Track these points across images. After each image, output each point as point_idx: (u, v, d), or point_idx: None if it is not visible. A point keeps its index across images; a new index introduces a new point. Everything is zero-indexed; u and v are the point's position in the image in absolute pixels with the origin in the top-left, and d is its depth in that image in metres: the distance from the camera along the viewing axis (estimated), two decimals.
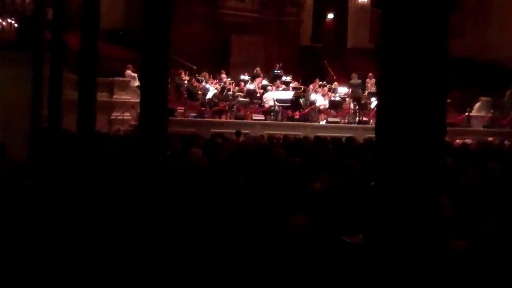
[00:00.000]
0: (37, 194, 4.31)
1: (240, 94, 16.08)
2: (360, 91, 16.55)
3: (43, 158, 5.83)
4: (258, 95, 16.17)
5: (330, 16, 24.02)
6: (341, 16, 23.96)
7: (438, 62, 2.37)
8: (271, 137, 9.07)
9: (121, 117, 13.79)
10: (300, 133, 13.39)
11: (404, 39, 2.28)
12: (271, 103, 15.44)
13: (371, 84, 17.28)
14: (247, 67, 18.54)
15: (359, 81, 16.82)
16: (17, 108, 11.99)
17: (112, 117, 13.97)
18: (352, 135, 11.81)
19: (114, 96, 14.43)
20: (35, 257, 3.68)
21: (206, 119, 14.76)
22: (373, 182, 2.52)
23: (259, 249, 3.06)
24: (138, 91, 13.27)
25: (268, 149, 6.13)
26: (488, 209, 3.56)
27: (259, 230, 3.33)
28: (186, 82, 15.58)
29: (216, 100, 15.36)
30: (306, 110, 15.76)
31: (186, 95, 15.26)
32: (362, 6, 23.59)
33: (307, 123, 15.27)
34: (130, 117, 14.05)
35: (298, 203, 3.78)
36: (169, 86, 5.46)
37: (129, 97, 14.41)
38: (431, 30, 2.27)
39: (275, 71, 18.56)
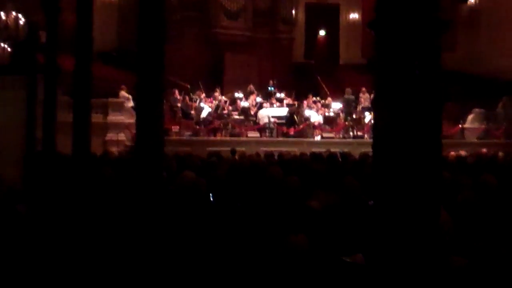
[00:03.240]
0: (33, 220, 4.28)
1: (235, 112, 16.12)
2: (352, 106, 16.68)
3: (38, 182, 5.80)
4: (253, 112, 16.21)
5: (322, 33, 24.25)
6: (332, 32, 24.20)
7: (432, 79, 2.39)
8: (267, 155, 9.05)
9: (116, 138, 13.76)
10: (296, 149, 13.40)
11: (398, 59, 2.30)
12: (266, 120, 15.49)
13: (364, 99, 17.37)
14: (241, 85, 18.62)
15: (353, 96, 16.93)
16: (11, 131, 11.95)
17: (106, 138, 13.95)
18: (347, 150, 11.82)
19: (109, 117, 14.42)
20: (34, 284, 3.63)
21: (201, 137, 14.76)
22: (372, 201, 2.52)
23: (258, 270, 3.03)
24: (133, 111, 13.38)
25: (264, 167, 6.12)
26: (486, 223, 3.55)
27: (257, 250, 3.31)
28: (180, 101, 15.61)
29: (211, 119, 15.39)
30: (301, 126, 15.81)
31: (180, 114, 15.28)
32: (353, 22, 23.88)
33: (303, 139, 15.29)
34: (124, 138, 14.03)
35: (296, 222, 3.76)
36: (164, 105, 5.46)
37: (124, 118, 14.41)
38: (424, 50, 2.30)
39: (269, 88, 18.64)
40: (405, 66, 2.29)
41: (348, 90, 17.08)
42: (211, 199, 4.59)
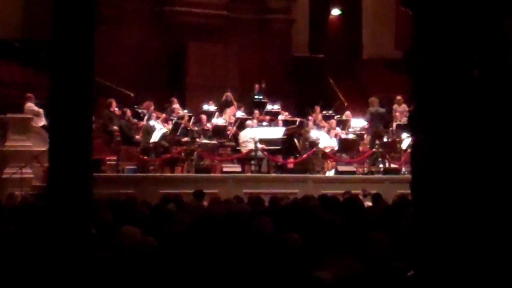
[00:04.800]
0: None
1: (203, 133, 16.13)
2: (381, 125, 16.72)
3: None
4: (231, 134, 16.24)
5: (336, 12, 24.45)
6: (351, 12, 24.44)
7: (499, 82, 2.43)
8: (253, 200, 9.05)
9: (19, 175, 13.68)
10: (297, 191, 13.40)
11: (447, 52, 2.34)
12: (251, 145, 15.51)
13: (400, 112, 17.50)
14: (212, 92, 18.68)
15: (383, 109, 17.00)
16: None
17: (3, 176, 13.86)
18: (375, 191, 11.85)
19: (8, 143, 14.35)
20: None
21: (151, 174, 14.72)
22: (411, 272, 2.53)
23: None
24: (45, 134, 13.29)
25: (249, 219, 6.12)
26: None
27: None
28: (119, 118, 15.59)
29: (166, 144, 15.37)
30: (304, 155, 15.84)
31: (119, 138, 15.25)
32: None
33: (307, 175, 15.33)
34: (32, 175, 13.96)
35: None
36: (93, 125, 5.48)
37: (31, 144, 14.35)
38: (487, 39, 2.33)
39: (255, 97, 18.71)
40: (459, 63, 2.32)
41: (374, 99, 17.15)
42: (167, 267, 4.57)
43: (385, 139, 16.81)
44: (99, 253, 4.83)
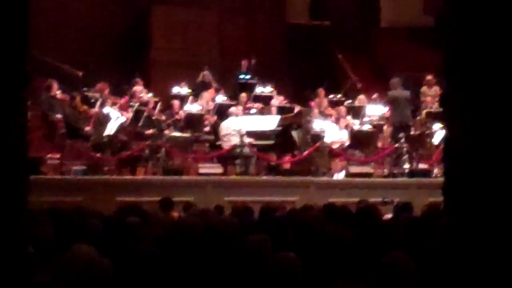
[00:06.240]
0: None
1: (173, 124, 16.12)
2: (409, 111, 16.70)
3: None
4: (209, 124, 16.24)
5: None
6: None
7: None
8: (239, 211, 9.07)
9: None
10: (295, 199, 13.47)
11: (490, 17, 2.35)
12: (236, 140, 15.53)
13: (431, 96, 17.51)
14: (185, 70, 18.65)
15: (407, 92, 17.00)
16: None
17: None
18: (398, 199, 11.87)
19: None
20: None
21: (106, 176, 14.70)
22: None
23: None
24: None
25: (236, 235, 6.14)
26: None
27: None
28: (63, 104, 15.53)
29: (125, 138, 15.35)
30: (305, 153, 15.87)
31: (64, 130, 15.21)
32: None
33: (308, 177, 15.35)
34: None
35: None
36: (29, 113, 5.46)
37: None
38: None
39: (241, 76, 18.69)
40: (506, 32, 2.33)
41: (396, 80, 17.10)
42: None
43: (411, 132, 16.80)
44: (36, 278, 4.82)
